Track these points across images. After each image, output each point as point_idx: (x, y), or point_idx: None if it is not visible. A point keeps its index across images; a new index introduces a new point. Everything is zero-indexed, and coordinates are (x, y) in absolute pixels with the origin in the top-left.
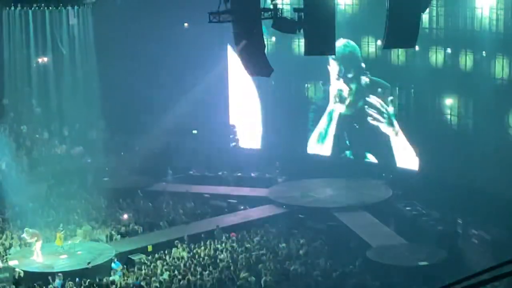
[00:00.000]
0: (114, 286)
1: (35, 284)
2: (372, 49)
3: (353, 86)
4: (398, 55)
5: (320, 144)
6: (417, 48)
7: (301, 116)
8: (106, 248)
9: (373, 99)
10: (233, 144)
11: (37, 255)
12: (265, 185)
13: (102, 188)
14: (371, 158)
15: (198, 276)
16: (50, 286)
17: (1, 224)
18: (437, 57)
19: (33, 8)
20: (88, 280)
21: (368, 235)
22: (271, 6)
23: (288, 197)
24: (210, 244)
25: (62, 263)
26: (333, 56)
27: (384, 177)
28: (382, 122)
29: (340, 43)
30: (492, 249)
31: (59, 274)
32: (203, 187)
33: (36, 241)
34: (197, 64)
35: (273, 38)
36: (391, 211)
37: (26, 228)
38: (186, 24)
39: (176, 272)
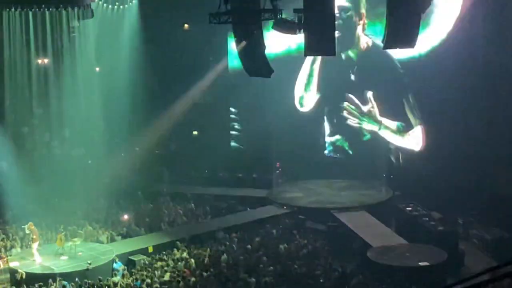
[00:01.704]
0: (115, 287)
1: (35, 285)
2: None
3: None
4: None
5: None
6: None
7: None
8: (106, 249)
9: None
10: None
11: (35, 255)
12: (266, 186)
13: (102, 189)
14: None
15: (199, 277)
16: (52, 287)
17: (2, 226)
18: None
19: (33, 9)
20: (89, 281)
21: (369, 235)
22: (271, 7)
23: (289, 198)
24: (211, 245)
25: (62, 264)
26: None
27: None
28: None
29: None
30: (492, 249)
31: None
32: (204, 188)
33: (34, 241)
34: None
35: None
36: (391, 211)
37: (30, 223)
38: (186, 26)
39: (176, 273)
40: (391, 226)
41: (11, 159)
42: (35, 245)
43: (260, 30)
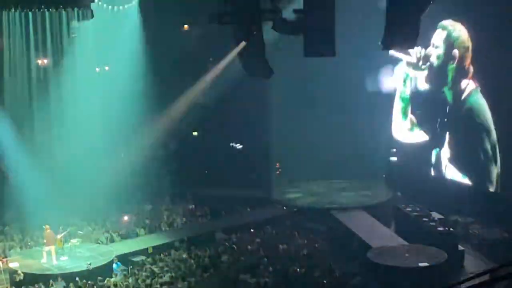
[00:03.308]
0: (115, 287)
1: (36, 285)
2: None
3: None
4: None
5: None
6: None
7: None
8: (106, 249)
9: None
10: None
11: (45, 258)
12: (266, 186)
13: (102, 190)
14: None
15: (199, 278)
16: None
17: (1, 226)
18: None
19: (33, 10)
20: (89, 281)
21: (368, 236)
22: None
23: (289, 198)
24: (211, 246)
25: (62, 264)
26: None
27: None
28: None
29: None
30: (492, 250)
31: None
32: (203, 188)
33: (46, 244)
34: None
35: None
36: (391, 212)
37: (47, 225)
38: (186, 26)
39: (176, 273)
40: (391, 226)
41: (11, 159)
42: (47, 249)
43: (260, 31)
